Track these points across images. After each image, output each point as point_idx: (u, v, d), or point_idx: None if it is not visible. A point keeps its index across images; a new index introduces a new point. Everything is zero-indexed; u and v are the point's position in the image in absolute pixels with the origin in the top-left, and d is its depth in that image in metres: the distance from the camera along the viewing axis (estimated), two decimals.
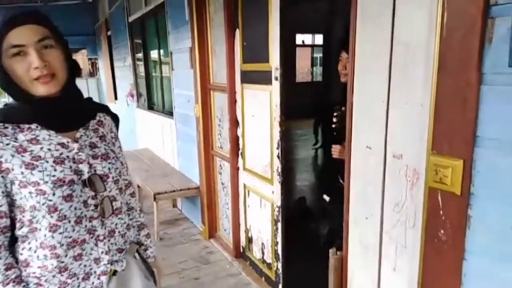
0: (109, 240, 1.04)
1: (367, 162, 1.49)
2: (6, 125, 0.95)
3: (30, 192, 0.93)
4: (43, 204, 0.93)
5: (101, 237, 1.02)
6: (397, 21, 1.28)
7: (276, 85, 2.17)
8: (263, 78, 2.29)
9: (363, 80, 1.47)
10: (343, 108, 2.20)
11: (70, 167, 0.97)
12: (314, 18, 7.47)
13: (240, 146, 2.70)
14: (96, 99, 8.46)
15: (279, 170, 2.25)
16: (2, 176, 0.92)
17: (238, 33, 2.52)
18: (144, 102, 5.16)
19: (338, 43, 2.74)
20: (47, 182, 0.93)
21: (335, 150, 2.06)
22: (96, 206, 1.00)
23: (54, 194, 0.93)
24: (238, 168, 2.77)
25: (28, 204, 0.94)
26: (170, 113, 4.07)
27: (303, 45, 9.66)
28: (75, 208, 0.97)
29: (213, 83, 2.99)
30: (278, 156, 2.24)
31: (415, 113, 1.24)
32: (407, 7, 1.24)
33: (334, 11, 7.26)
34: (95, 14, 8.15)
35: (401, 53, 1.28)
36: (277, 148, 2.24)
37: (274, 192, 2.33)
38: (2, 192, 0.93)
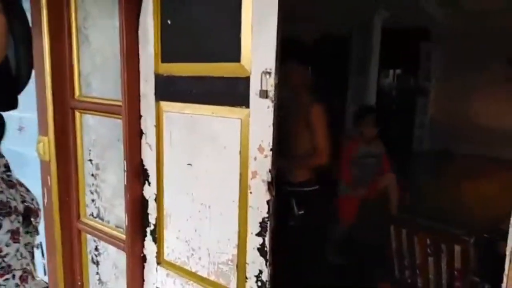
0: None
1: None
2: None
3: None
4: None
5: None
6: None
7: (261, 108, 1.06)
8: (223, 94, 1.14)
9: None
10: None
11: None
12: None
13: (152, 219, 1.41)
14: None
15: (264, 277, 1.12)
16: None
17: (150, 1, 1.28)
18: None
19: None
20: None
21: None
22: None
23: None
24: (144, 259, 1.46)
25: None
26: None
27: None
28: None
29: (82, 97, 1.58)
30: (261, 250, 1.11)
31: None
32: None
33: None
34: None
35: None
36: (259, 235, 1.11)
37: None
38: None
